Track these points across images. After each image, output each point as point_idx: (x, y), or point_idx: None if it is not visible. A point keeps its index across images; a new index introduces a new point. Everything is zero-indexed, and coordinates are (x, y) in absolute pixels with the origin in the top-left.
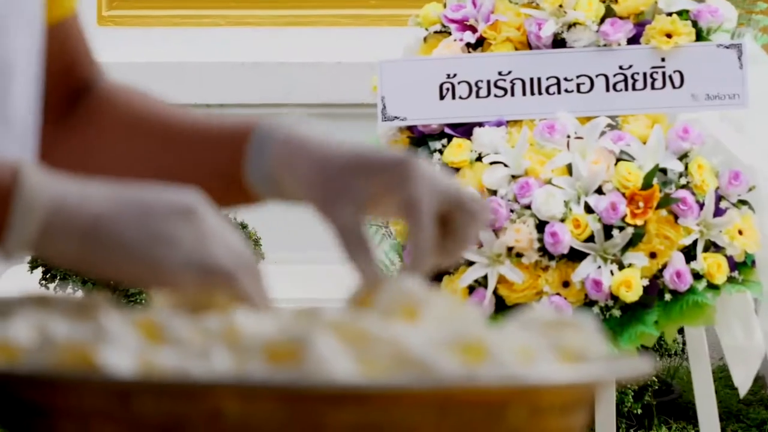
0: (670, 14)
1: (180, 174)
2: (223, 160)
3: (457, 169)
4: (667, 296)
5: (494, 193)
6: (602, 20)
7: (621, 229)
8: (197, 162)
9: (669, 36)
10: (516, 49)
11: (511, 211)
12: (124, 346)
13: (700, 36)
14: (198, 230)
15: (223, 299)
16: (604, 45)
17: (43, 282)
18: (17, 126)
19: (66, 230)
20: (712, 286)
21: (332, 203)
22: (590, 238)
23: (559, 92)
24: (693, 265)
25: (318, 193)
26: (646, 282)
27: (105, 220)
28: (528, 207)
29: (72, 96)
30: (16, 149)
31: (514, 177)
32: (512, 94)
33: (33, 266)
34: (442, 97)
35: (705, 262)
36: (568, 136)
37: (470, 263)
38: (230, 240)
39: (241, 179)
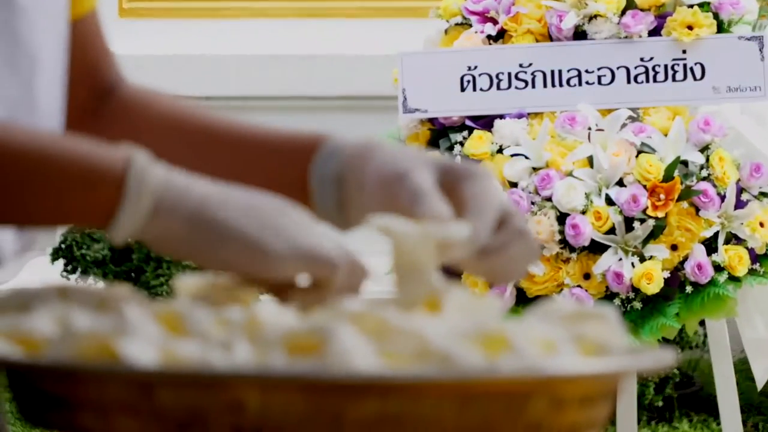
0: (691, 6)
1: (234, 180)
2: (288, 167)
3: (478, 162)
4: (689, 288)
5: (515, 185)
6: (623, 12)
7: (642, 221)
8: (256, 169)
9: (690, 28)
10: (537, 41)
11: (532, 203)
12: (145, 338)
13: (721, 28)
14: (300, 223)
15: (247, 294)
16: (625, 37)
17: (65, 273)
18: (44, 116)
19: (174, 212)
20: (734, 279)
21: (397, 193)
22: (611, 231)
23: (580, 84)
24: (714, 257)
25: (384, 189)
26: (667, 274)
27: (212, 202)
28: (549, 199)
29: (96, 95)
30: None
31: (535, 169)
32: (533, 86)
33: (54, 257)
34: (462, 90)
35: (726, 254)
36: (589, 128)
37: None
38: (332, 235)
39: (304, 189)
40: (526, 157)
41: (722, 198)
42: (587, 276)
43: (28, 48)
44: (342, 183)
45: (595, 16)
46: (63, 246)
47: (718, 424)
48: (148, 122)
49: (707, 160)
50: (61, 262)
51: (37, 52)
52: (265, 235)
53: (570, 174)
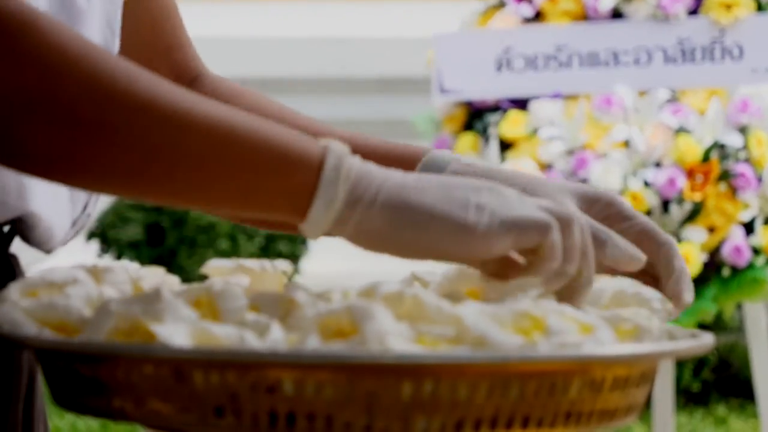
0: None
1: None
2: None
3: (513, 143)
4: (726, 271)
5: (550, 166)
6: None
7: (679, 201)
8: None
9: (729, 8)
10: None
11: None
12: (181, 320)
13: (760, 7)
14: (501, 196)
15: (277, 277)
16: (663, 17)
17: (100, 255)
18: None
19: (373, 201)
20: None
21: None
22: (647, 213)
23: (616, 65)
24: (751, 240)
25: None
26: (705, 257)
27: (410, 189)
28: (585, 181)
29: (179, 81)
30: None
31: (570, 151)
32: (569, 67)
33: (89, 239)
34: (498, 71)
35: (764, 237)
36: (626, 110)
37: None
38: (536, 201)
39: None
40: (562, 139)
41: (760, 180)
42: None
43: (84, 31)
44: None
45: None
46: (98, 228)
47: (755, 406)
48: None
49: (745, 142)
50: (95, 244)
51: (91, 36)
52: (468, 213)
53: (606, 155)
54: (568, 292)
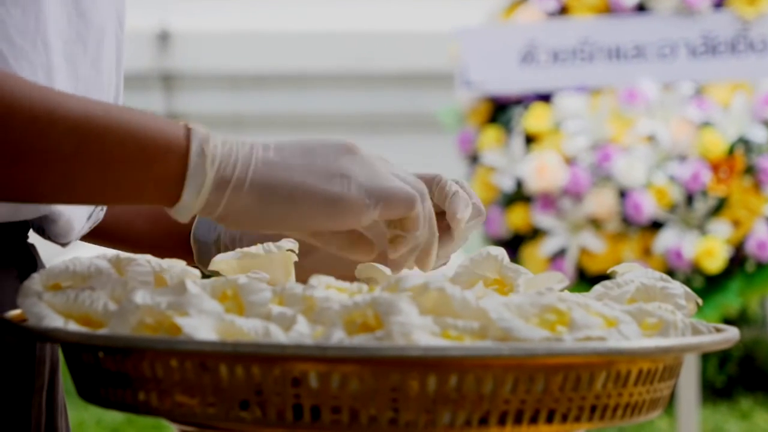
0: None
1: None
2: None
3: (537, 137)
4: (750, 266)
5: (575, 160)
6: None
7: (703, 193)
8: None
9: (752, 2)
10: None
11: (592, 178)
12: (206, 313)
13: None
14: (365, 163)
15: (285, 264)
16: (687, 11)
17: None
18: (106, 85)
19: (239, 180)
20: None
21: None
22: (671, 207)
23: (640, 58)
24: None
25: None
26: (730, 251)
27: (276, 166)
28: (609, 175)
29: None
30: None
31: (595, 145)
32: (593, 61)
33: None
34: (523, 64)
35: None
36: (650, 104)
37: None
38: (397, 169)
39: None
40: (586, 133)
41: None
42: (649, 251)
43: (95, 22)
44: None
45: None
46: None
47: None
48: None
49: None
50: None
51: (103, 26)
52: (335, 185)
53: (630, 149)
54: (421, 257)
